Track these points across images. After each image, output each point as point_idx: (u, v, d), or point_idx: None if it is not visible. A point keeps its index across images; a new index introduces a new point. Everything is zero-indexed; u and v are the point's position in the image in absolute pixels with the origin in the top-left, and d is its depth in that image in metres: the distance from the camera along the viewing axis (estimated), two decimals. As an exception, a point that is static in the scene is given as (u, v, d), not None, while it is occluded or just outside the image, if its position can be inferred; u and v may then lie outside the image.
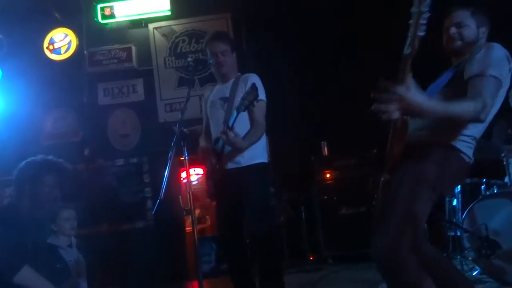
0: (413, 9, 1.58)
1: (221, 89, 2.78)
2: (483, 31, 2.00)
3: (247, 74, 2.75)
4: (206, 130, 2.87)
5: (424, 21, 1.57)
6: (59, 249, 3.03)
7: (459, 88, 1.83)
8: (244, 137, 2.52)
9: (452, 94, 1.83)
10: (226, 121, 2.55)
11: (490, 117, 1.90)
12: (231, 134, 2.40)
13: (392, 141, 1.86)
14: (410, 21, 1.60)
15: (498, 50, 1.86)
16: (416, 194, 1.78)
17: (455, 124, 1.87)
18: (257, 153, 2.63)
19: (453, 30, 1.99)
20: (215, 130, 2.72)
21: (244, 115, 2.56)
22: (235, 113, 2.43)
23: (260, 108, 2.61)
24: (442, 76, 2.00)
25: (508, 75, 1.88)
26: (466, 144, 1.89)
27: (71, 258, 3.05)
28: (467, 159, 1.91)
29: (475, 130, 1.90)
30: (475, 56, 1.87)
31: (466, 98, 1.76)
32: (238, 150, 2.55)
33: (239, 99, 2.50)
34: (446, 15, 2.05)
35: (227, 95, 2.70)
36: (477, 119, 1.75)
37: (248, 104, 2.37)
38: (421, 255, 1.93)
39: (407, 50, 1.61)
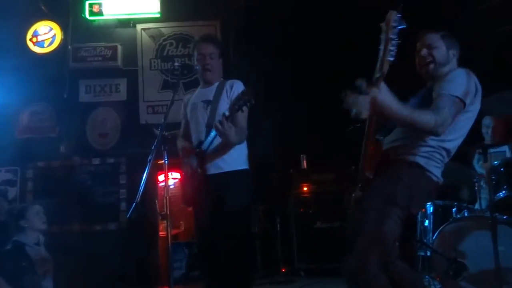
0: (382, 36, 1.66)
1: (203, 92, 2.76)
2: (453, 53, 2.09)
3: (232, 80, 2.75)
4: (184, 133, 2.84)
5: (393, 47, 1.66)
6: (26, 247, 2.97)
7: (428, 106, 1.91)
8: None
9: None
10: (209, 124, 2.54)
11: (456, 143, 1.99)
12: (227, 124, 2.37)
13: (364, 158, 1.91)
14: (380, 47, 1.67)
15: (466, 76, 1.95)
16: (384, 215, 1.83)
17: (420, 141, 1.93)
18: (240, 160, 2.62)
19: (424, 51, 2.07)
20: (196, 132, 2.70)
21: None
22: (227, 112, 2.39)
23: (244, 114, 2.60)
24: (419, 93, 2.09)
25: (473, 102, 1.96)
26: (433, 163, 1.96)
27: (37, 257, 2.99)
28: (434, 178, 1.98)
29: (443, 150, 1.96)
30: (444, 79, 1.97)
31: (429, 109, 1.83)
32: (222, 148, 2.52)
33: (224, 103, 2.50)
34: (417, 38, 2.14)
35: (211, 98, 2.68)
36: (434, 132, 1.83)
37: (242, 104, 2.32)
38: (392, 271, 1.97)
39: (377, 74, 1.69)
